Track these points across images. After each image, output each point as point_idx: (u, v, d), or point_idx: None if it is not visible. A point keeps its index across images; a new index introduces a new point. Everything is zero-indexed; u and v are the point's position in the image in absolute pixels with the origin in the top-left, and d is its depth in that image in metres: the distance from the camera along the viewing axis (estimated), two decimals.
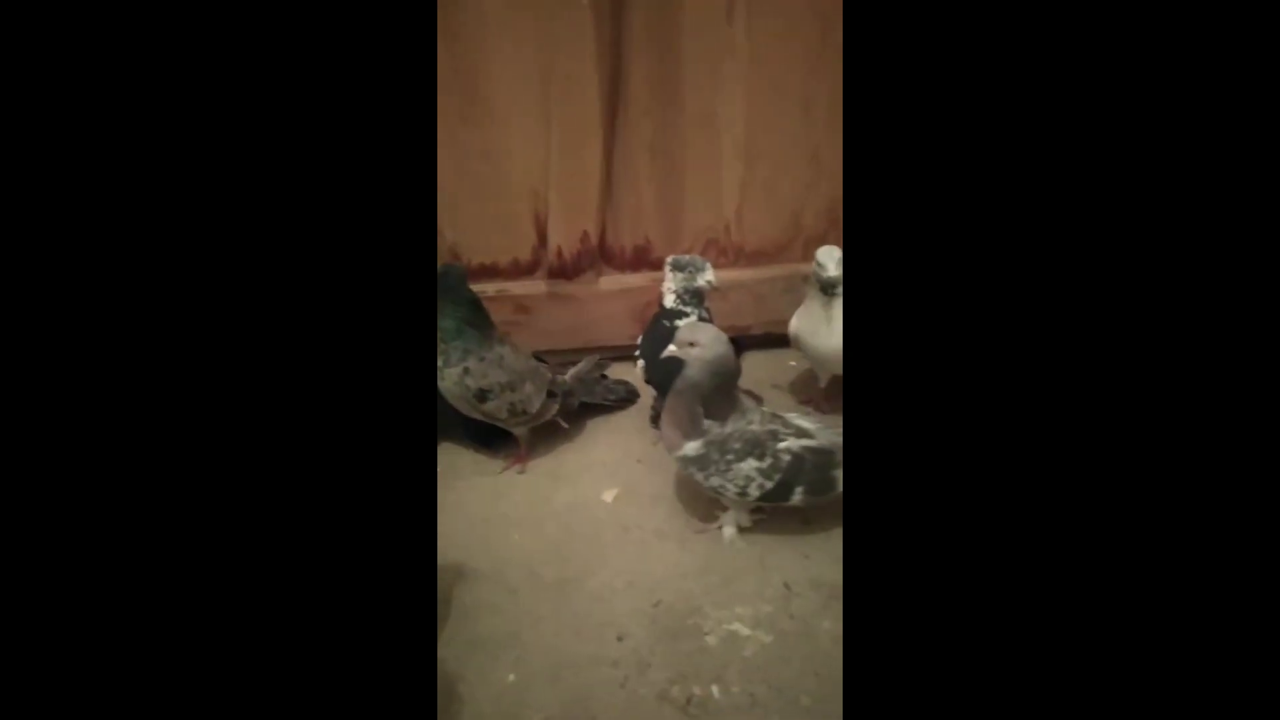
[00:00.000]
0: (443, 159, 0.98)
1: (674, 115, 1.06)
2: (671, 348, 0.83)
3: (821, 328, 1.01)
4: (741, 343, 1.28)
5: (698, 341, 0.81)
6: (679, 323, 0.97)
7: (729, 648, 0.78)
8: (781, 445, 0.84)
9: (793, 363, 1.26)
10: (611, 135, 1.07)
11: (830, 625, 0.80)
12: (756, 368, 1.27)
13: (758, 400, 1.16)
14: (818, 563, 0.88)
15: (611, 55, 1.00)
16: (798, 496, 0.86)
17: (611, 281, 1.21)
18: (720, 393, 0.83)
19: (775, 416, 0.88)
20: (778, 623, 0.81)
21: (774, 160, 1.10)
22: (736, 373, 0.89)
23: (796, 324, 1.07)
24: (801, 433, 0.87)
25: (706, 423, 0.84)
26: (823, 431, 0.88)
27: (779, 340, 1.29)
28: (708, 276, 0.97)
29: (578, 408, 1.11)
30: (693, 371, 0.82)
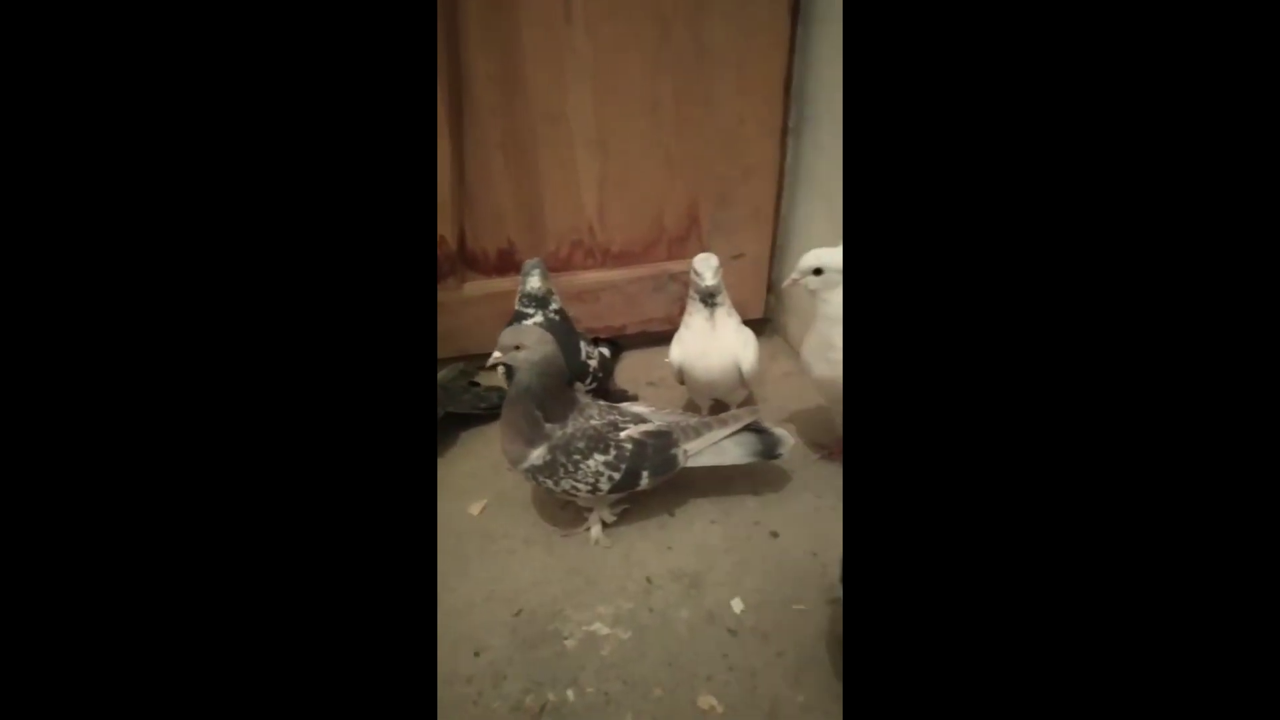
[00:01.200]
0: None
1: (523, 114, 1.04)
2: (496, 354, 0.81)
3: (709, 346, 0.94)
4: (619, 344, 1.29)
5: (522, 344, 0.80)
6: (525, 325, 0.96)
7: (587, 649, 0.78)
8: (623, 434, 0.86)
9: (668, 359, 1.28)
10: (460, 136, 1.04)
11: (688, 614, 0.81)
12: (632, 367, 1.28)
13: (633, 399, 1.17)
14: (680, 554, 0.89)
15: (449, 53, 0.97)
16: (645, 480, 0.87)
17: (476, 287, 1.18)
18: (555, 393, 0.83)
19: (611, 408, 0.89)
20: (637, 618, 0.81)
21: (628, 160, 1.12)
22: (565, 370, 0.87)
23: (680, 352, 0.97)
24: (638, 419, 0.89)
25: (548, 426, 0.83)
26: (656, 415, 0.91)
27: (654, 339, 1.31)
28: (533, 281, 0.98)
29: (443, 418, 1.07)
30: (523, 376, 0.81)
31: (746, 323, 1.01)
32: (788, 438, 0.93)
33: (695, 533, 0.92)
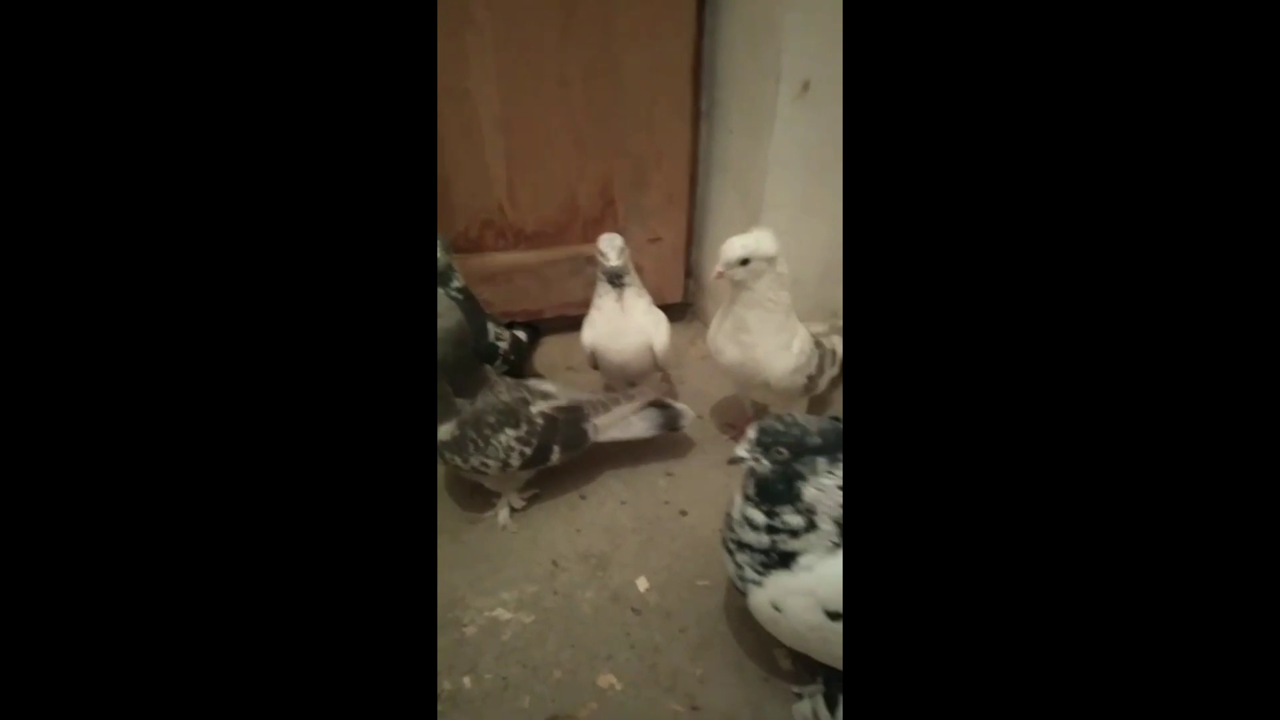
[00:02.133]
0: None
1: None
2: None
3: (620, 327, 0.93)
4: (539, 327, 1.27)
5: None
6: None
7: (487, 635, 0.76)
8: (534, 410, 0.84)
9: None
10: None
11: (593, 595, 0.81)
12: (550, 351, 1.26)
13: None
14: (588, 536, 0.89)
15: None
16: (556, 455, 0.86)
17: None
18: (463, 367, 0.80)
19: (519, 384, 0.88)
20: (541, 601, 0.80)
21: (537, 138, 1.09)
22: (472, 342, 0.85)
23: (591, 334, 0.96)
24: (546, 395, 0.88)
25: (457, 401, 0.80)
26: (564, 391, 0.90)
27: (573, 323, 1.29)
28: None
29: None
30: None
31: (665, 307, 1.01)
32: (689, 411, 0.94)
33: (605, 514, 0.92)
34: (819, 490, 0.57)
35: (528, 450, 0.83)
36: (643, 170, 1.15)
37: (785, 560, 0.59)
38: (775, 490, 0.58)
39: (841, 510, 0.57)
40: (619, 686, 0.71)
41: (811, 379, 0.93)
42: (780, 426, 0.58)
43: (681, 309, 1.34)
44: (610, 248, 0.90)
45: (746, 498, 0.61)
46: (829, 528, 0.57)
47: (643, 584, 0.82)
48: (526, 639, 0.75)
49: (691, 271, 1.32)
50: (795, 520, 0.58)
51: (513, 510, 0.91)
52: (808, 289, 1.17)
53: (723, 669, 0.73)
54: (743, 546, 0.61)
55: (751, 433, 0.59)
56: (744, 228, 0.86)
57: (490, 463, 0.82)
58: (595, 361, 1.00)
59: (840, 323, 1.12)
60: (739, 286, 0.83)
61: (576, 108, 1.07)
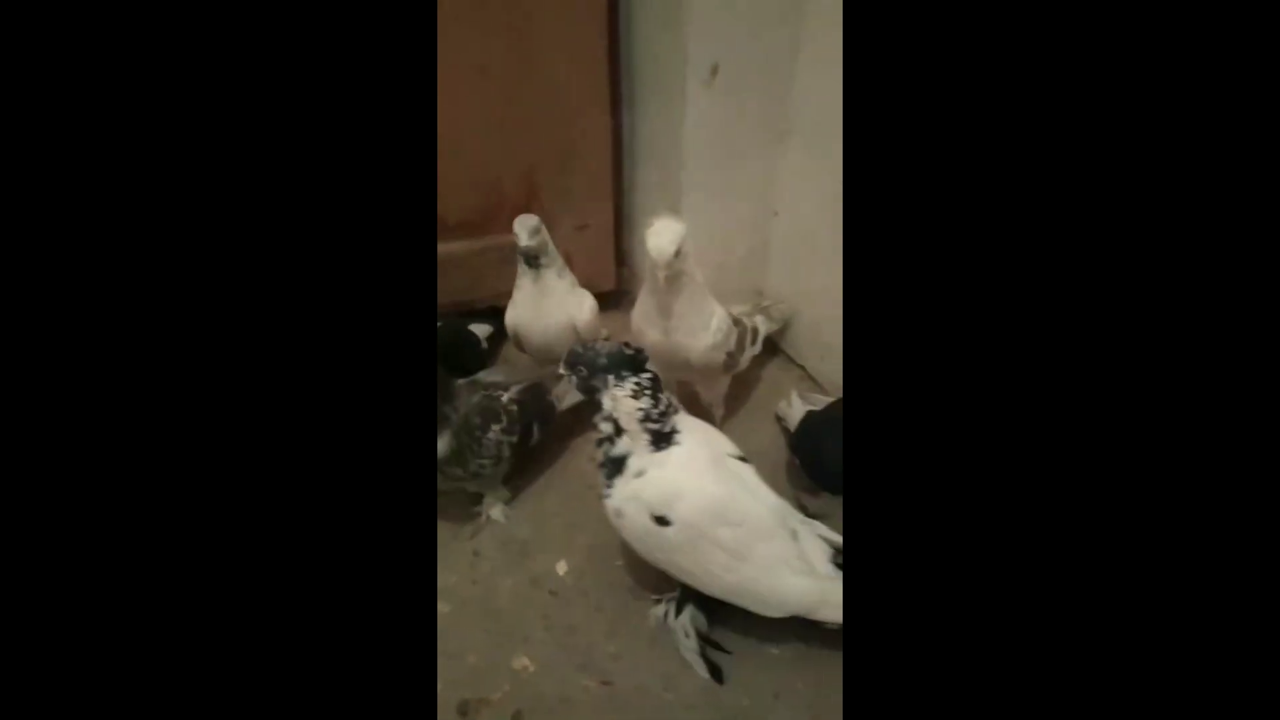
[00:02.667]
0: None
1: None
2: None
3: (540, 307, 0.93)
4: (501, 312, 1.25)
5: None
6: None
7: None
8: (505, 399, 0.87)
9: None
10: None
11: (512, 581, 0.81)
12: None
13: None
14: (514, 523, 0.89)
15: None
16: (536, 433, 0.90)
17: None
18: (443, 378, 0.82)
19: (472, 383, 0.88)
20: (459, 591, 0.80)
21: (458, 125, 1.07)
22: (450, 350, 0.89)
23: (513, 316, 0.97)
24: (502, 385, 0.89)
25: (444, 409, 0.80)
26: (510, 374, 0.93)
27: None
28: None
29: None
30: None
31: (598, 295, 1.01)
32: None
33: (530, 499, 0.92)
34: (612, 400, 0.67)
35: (514, 439, 0.85)
36: (565, 157, 1.15)
37: (618, 465, 0.68)
38: (591, 404, 0.70)
39: (640, 414, 0.67)
40: (533, 668, 0.72)
41: (731, 355, 0.95)
42: (580, 350, 0.69)
43: (618, 297, 1.34)
44: (522, 228, 0.91)
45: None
46: (635, 429, 0.67)
47: (562, 567, 0.83)
48: (441, 628, 0.76)
49: (624, 259, 1.32)
50: (606, 426, 0.68)
51: (506, 503, 0.91)
52: (732, 271, 1.19)
53: (636, 644, 0.74)
54: (600, 465, 0.71)
55: (565, 357, 0.70)
56: (668, 214, 0.86)
57: (486, 462, 0.83)
58: (519, 343, 1.00)
59: (765, 303, 1.14)
60: (676, 278, 0.81)
61: (497, 95, 1.06)
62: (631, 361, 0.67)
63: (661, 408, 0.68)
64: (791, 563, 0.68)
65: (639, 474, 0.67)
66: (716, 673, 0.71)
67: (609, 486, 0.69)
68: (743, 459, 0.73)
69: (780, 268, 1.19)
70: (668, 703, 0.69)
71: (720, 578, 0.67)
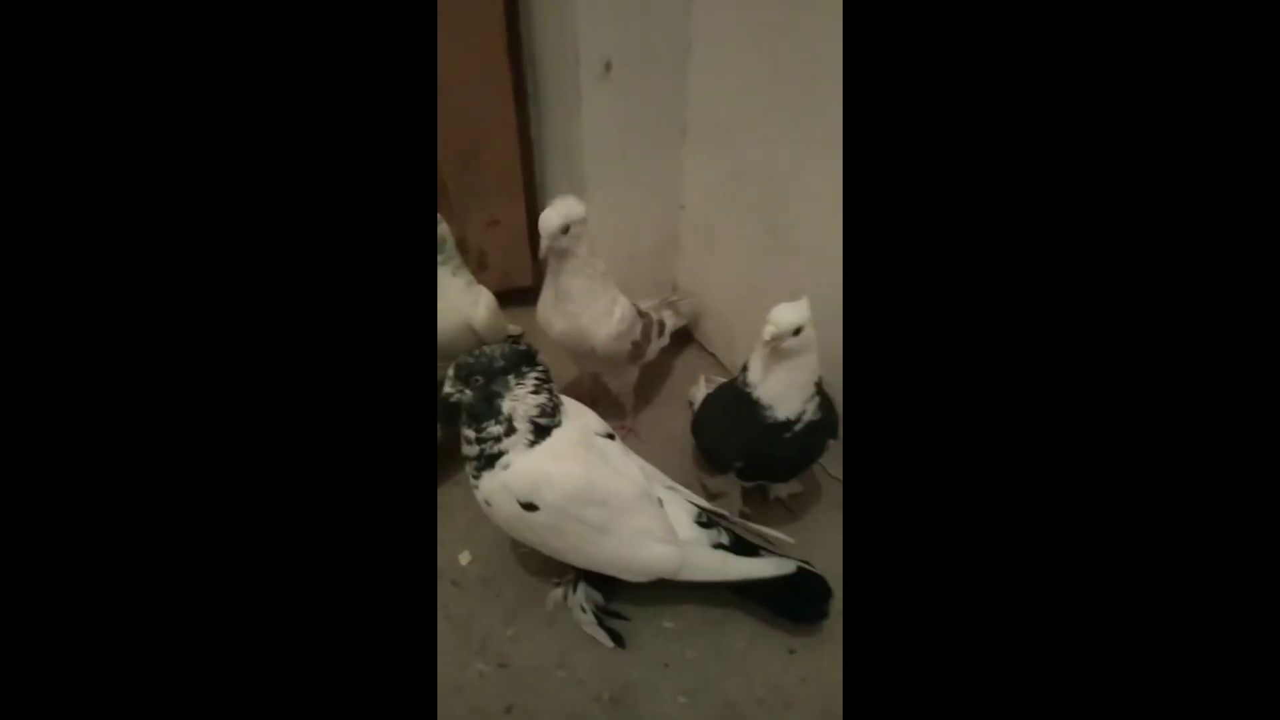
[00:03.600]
0: None
1: None
2: None
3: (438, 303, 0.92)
4: None
5: None
6: None
7: None
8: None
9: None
10: None
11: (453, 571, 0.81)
12: None
13: None
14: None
15: None
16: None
17: None
18: None
19: None
20: None
21: None
22: None
23: None
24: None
25: None
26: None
27: None
28: None
29: None
30: None
31: (516, 291, 1.01)
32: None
33: (439, 494, 0.92)
34: (514, 400, 0.67)
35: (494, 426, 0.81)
36: (472, 153, 1.15)
37: (491, 461, 0.69)
38: (480, 411, 0.68)
39: (538, 409, 0.68)
40: None
41: (638, 345, 0.97)
42: (471, 360, 0.68)
43: (536, 293, 1.35)
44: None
45: (463, 424, 0.71)
46: (525, 427, 0.68)
47: (465, 558, 0.84)
48: None
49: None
50: (497, 429, 0.68)
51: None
52: (641, 265, 1.22)
53: (534, 626, 0.76)
54: (466, 460, 0.72)
55: (450, 371, 0.68)
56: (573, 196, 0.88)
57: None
58: None
59: (673, 298, 1.18)
60: (564, 256, 0.85)
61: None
62: (527, 355, 0.68)
63: (555, 399, 0.69)
64: (655, 532, 0.71)
65: (506, 466, 0.68)
66: (618, 639, 0.74)
67: (476, 478, 0.70)
68: (610, 436, 0.75)
69: (689, 260, 1.23)
70: (560, 680, 0.71)
71: (587, 552, 0.70)
